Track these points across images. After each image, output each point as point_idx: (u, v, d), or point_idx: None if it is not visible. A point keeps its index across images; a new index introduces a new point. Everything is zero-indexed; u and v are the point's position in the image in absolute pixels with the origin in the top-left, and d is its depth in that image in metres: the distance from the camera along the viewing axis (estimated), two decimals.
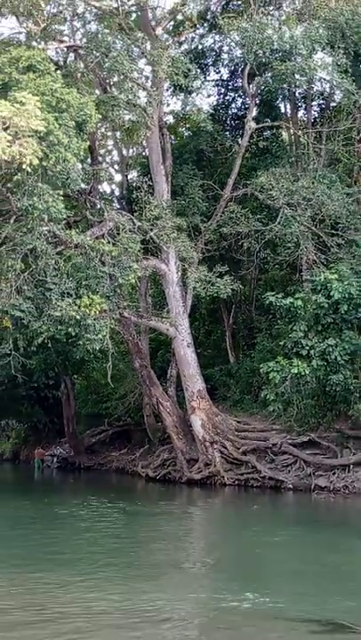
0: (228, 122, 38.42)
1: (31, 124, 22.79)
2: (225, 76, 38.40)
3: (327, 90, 35.49)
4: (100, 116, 28.28)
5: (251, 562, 18.07)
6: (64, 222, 26.39)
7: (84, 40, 33.20)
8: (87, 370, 39.74)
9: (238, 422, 32.07)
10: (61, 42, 33.73)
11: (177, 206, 31.85)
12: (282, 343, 28.66)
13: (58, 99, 24.85)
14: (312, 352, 27.37)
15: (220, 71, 38.32)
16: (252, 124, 34.16)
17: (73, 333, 25.96)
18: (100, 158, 36.77)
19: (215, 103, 39.02)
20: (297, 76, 31.89)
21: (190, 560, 19.00)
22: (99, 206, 30.64)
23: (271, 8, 34.21)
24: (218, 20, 33.41)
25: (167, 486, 32.37)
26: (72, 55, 34.01)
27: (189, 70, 31.42)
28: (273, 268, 33.47)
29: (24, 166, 22.61)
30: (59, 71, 28.41)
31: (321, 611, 12.48)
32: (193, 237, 31.52)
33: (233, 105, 38.75)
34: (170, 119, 36.37)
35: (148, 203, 30.53)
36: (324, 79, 34.20)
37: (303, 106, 37.24)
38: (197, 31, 35.88)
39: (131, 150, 41.08)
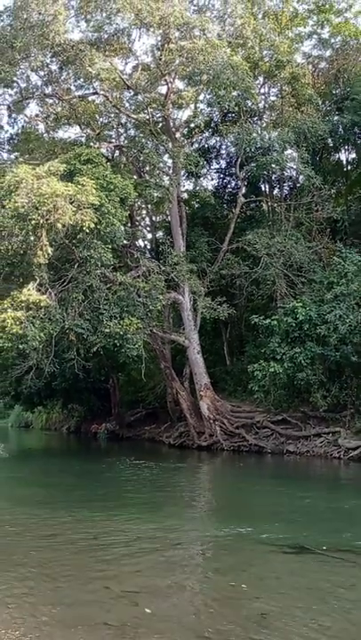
0: (226, 197, 38.48)
1: (89, 199, 23.02)
2: (223, 166, 38.59)
3: (294, 175, 35.56)
4: (137, 194, 28.42)
5: (238, 503, 18.03)
6: (112, 267, 26.49)
7: (126, 141, 33.45)
8: (128, 369, 39.64)
9: (233, 406, 32.00)
10: (110, 142, 34.06)
11: (190, 256, 31.93)
12: (263, 351, 28.62)
13: (107, 182, 25.06)
14: (284, 357, 27.34)
15: (219, 162, 38.56)
16: (242, 199, 34.31)
17: (118, 344, 25.98)
18: (136, 223, 36.94)
19: (216, 184, 39.19)
20: (273, 166, 32.06)
21: (196, 501, 19.02)
22: (136, 256, 30.75)
23: (255, 118, 34.45)
24: (219, 126, 33.65)
25: (183, 451, 32.30)
26: (117, 152, 34.30)
27: (198, 162, 31.62)
28: (257, 298, 33.45)
29: (84, 228, 22.83)
30: (108, 163, 28.69)
31: (290, 538, 12.43)
32: (201, 277, 31.56)
33: (228, 186, 38.88)
34: (185, 195, 36.48)
35: (170, 254, 30.65)
36: (292, 168, 34.29)
37: (277, 186, 37.31)
38: (204, 134, 36.03)
39: (158, 217, 41.21)
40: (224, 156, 37.88)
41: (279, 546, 11.90)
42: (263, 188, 37.44)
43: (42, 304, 23.42)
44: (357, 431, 26.59)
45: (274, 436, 29.78)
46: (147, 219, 41.65)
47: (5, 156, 34.37)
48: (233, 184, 37.96)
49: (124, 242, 29.63)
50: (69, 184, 23.42)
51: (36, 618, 8.05)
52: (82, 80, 31.10)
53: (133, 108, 32.28)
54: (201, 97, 33.50)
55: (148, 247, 39.83)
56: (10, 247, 22.97)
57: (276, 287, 30.86)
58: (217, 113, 34.59)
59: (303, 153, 31.89)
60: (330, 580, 9.84)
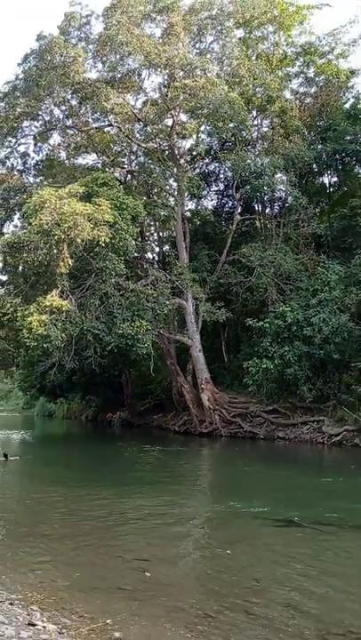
0: (223, 216, 38.44)
1: (104, 217, 23.13)
2: (221, 188, 38.52)
3: (283, 196, 35.52)
4: (146, 213, 28.50)
5: (234, 482, 18.01)
6: (124, 276, 26.54)
7: (137, 167, 33.53)
8: (138, 365, 39.49)
9: (230, 397, 31.98)
10: (123, 168, 34.14)
11: (192, 267, 31.92)
12: (256, 349, 28.60)
13: (120, 202, 25.12)
14: (275, 355, 27.34)
15: (218, 185, 38.48)
16: (238, 217, 34.33)
17: (129, 343, 26.01)
18: (146, 238, 36.96)
19: (215, 204, 39.13)
20: (265, 188, 32.02)
21: (197, 480, 18.99)
22: (145, 267, 30.81)
23: (249, 147, 34.40)
24: (218, 154, 33.71)
25: (186, 436, 32.31)
26: (129, 176, 34.36)
27: (200, 185, 31.75)
28: (251, 303, 33.32)
29: (100, 242, 22.94)
30: (121, 186, 28.73)
31: (279, 513, 12.45)
32: (202, 285, 31.54)
33: (226, 205, 38.80)
34: (188, 214, 36.44)
35: (175, 265, 30.67)
36: (282, 189, 34.33)
37: (269, 205, 37.28)
38: (205, 161, 36.06)
39: (164, 233, 41.16)
40: (222, 179, 37.88)
41: (269, 519, 11.92)
42: (256, 208, 37.42)
43: (63, 309, 23.50)
44: (339, 419, 26.58)
45: (266, 423, 29.76)
46: (155, 234, 41.68)
47: (32, 179, 34.53)
48: (230, 204, 37.95)
49: (135, 254, 29.75)
50: (87, 204, 23.51)
51: (58, 582, 8.10)
52: (98, 114, 31.27)
53: (143, 137, 32.36)
54: (202, 128, 33.62)
55: (156, 259, 39.82)
56: (35, 259, 23.12)
57: (268, 294, 30.84)
58: (216, 142, 34.61)
59: (291, 177, 31.96)
60: (313, 549, 9.87)
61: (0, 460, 21.15)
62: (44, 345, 23.29)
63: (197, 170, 35.91)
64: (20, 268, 25.13)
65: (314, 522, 11.53)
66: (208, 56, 31.07)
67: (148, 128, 31.37)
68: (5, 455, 21.50)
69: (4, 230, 32.05)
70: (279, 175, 32.51)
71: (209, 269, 32.70)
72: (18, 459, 22.59)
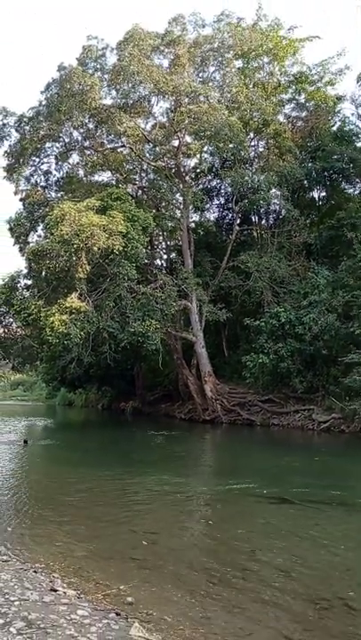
0: (224, 226, 38.30)
1: (118, 228, 23.15)
2: (222, 202, 38.37)
3: (277, 209, 35.48)
4: (155, 224, 28.48)
5: (232, 464, 18.02)
6: (136, 281, 26.51)
7: (147, 183, 33.53)
8: (148, 359, 39.32)
9: (230, 388, 31.90)
10: (134, 184, 34.15)
11: (196, 272, 31.84)
12: (253, 346, 28.58)
13: (132, 215, 25.12)
14: (270, 350, 27.33)
15: (219, 199, 38.30)
16: (237, 228, 34.27)
17: (140, 340, 26.03)
18: (155, 246, 36.93)
19: (217, 216, 39.02)
20: (261, 202, 31.97)
21: (200, 462, 19.01)
22: (154, 272, 30.75)
23: (247, 165, 34.33)
24: (219, 171, 33.66)
25: (191, 423, 32.26)
26: (140, 191, 34.35)
27: (203, 199, 31.71)
28: (248, 305, 33.20)
29: (114, 251, 22.95)
30: (133, 200, 28.73)
31: (273, 491, 12.43)
32: (205, 288, 31.48)
33: (226, 217, 38.64)
34: (192, 225, 36.28)
35: (181, 270, 30.65)
36: (276, 203, 34.31)
37: (264, 217, 37.19)
38: (207, 177, 35.93)
39: (171, 242, 41.01)
40: (223, 194, 37.73)
41: (265, 497, 11.91)
42: (253, 219, 37.31)
43: (82, 309, 23.54)
44: (327, 408, 26.52)
45: (262, 411, 29.71)
46: (163, 243, 41.54)
47: (53, 194, 34.51)
48: (230, 216, 37.83)
49: (145, 261, 29.76)
50: (103, 216, 23.55)
51: (77, 553, 8.11)
52: (112, 136, 31.28)
53: (152, 157, 32.36)
54: (205, 148, 33.51)
55: (164, 265, 39.66)
56: (57, 265, 23.18)
57: (264, 296, 30.80)
58: (217, 161, 34.51)
59: (284, 192, 31.91)
60: (302, 523, 9.85)
61: (20, 445, 21.28)
62: (65, 342, 23.35)
63: (201, 185, 35.83)
64: (44, 273, 25.16)
65: (303, 499, 11.51)
66: (210, 84, 31.04)
67: (157, 148, 31.37)
68: (25, 441, 21.60)
69: (29, 240, 32.13)
70: (274, 190, 32.41)
71: (211, 274, 32.64)
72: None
